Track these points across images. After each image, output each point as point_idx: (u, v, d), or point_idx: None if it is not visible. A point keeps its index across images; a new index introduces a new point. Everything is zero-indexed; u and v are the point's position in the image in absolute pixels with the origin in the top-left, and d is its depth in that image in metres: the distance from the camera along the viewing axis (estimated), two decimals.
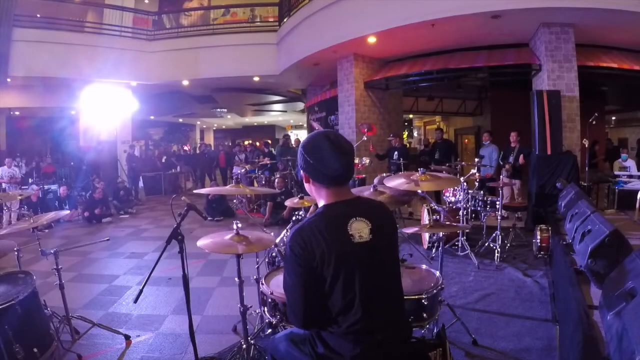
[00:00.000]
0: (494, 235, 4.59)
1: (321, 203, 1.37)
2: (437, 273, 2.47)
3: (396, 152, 7.04)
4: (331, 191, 1.33)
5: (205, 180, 12.40)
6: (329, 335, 1.28)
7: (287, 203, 3.58)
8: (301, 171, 1.38)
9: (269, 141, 13.68)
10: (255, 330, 2.69)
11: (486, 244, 4.72)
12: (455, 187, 4.88)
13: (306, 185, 1.40)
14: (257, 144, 17.16)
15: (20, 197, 4.93)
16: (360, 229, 1.27)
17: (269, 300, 2.18)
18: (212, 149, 14.69)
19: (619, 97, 11.22)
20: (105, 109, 10.20)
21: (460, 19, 5.89)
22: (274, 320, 2.16)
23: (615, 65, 6.52)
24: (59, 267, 2.70)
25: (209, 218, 7.07)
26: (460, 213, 4.73)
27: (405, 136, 15.36)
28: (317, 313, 1.28)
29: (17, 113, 13.22)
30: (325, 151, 1.28)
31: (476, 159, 5.74)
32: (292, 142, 11.36)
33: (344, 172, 1.30)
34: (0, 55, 8.34)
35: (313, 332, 1.34)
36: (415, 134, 18.16)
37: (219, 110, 16.64)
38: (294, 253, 1.25)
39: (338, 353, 1.26)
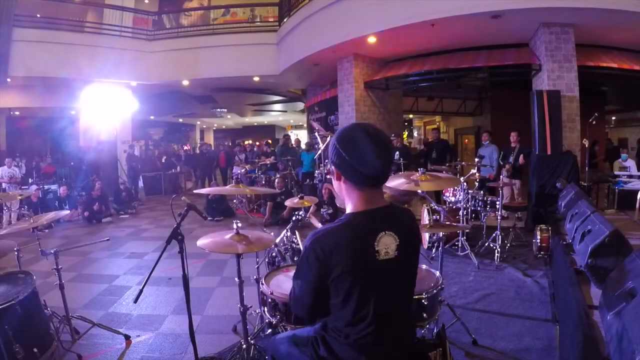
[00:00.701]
0: (494, 235, 4.59)
1: (349, 207, 1.24)
2: (437, 273, 2.47)
3: (397, 152, 7.05)
4: (364, 194, 1.20)
5: (205, 181, 12.39)
6: (334, 341, 1.25)
7: (287, 203, 3.58)
8: (333, 167, 1.23)
9: (270, 141, 13.67)
10: (255, 330, 2.69)
11: (486, 244, 4.72)
12: (455, 187, 4.88)
13: (335, 184, 1.27)
14: (257, 143, 17.15)
15: (20, 197, 4.93)
16: (387, 245, 1.18)
17: (269, 300, 2.18)
18: (212, 149, 14.67)
19: (619, 97, 11.22)
20: (105, 109, 10.19)
21: (460, 19, 5.89)
22: (274, 320, 2.16)
23: (615, 65, 6.51)
24: (59, 267, 2.70)
25: (209, 218, 7.07)
26: (460, 213, 4.73)
27: (405, 136, 15.36)
28: (324, 314, 1.27)
29: (17, 113, 13.22)
30: (365, 146, 1.13)
31: (476, 159, 5.74)
32: (292, 142, 11.35)
33: (384, 171, 1.17)
34: (0, 55, 8.34)
35: (318, 336, 1.31)
36: (415, 134, 18.15)
37: (219, 110, 16.63)
38: (309, 261, 1.18)
39: (341, 359, 1.24)
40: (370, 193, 1.21)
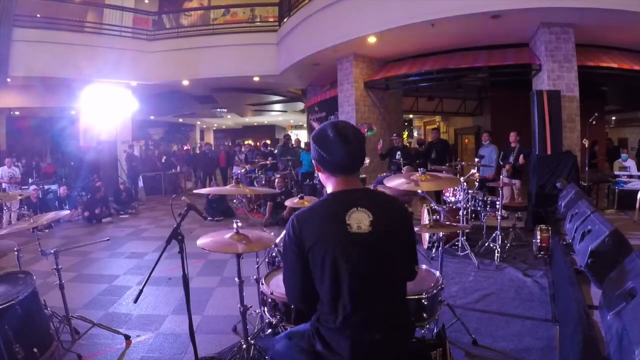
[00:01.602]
0: (494, 235, 4.59)
1: (327, 191, 1.40)
2: (437, 273, 2.46)
3: (398, 152, 7.05)
4: (338, 179, 1.35)
5: (207, 181, 12.38)
6: (327, 331, 1.28)
7: (287, 203, 3.58)
8: (314, 162, 1.41)
9: (268, 141, 13.66)
10: (255, 330, 2.69)
11: (486, 244, 4.72)
12: (455, 187, 4.88)
13: (320, 176, 1.43)
14: (257, 144, 17.15)
15: (20, 197, 4.93)
16: (359, 220, 1.27)
17: (269, 300, 2.18)
18: (213, 148, 14.67)
19: (619, 97, 11.22)
20: (105, 109, 10.19)
21: (460, 19, 5.89)
22: (274, 320, 2.16)
23: (615, 65, 6.52)
24: (59, 267, 2.70)
25: (209, 218, 7.07)
26: (460, 213, 4.73)
27: (405, 136, 15.36)
28: (314, 293, 1.31)
29: (17, 113, 13.22)
30: (331, 140, 1.31)
31: (476, 159, 5.74)
32: (293, 142, 11.35)
33: (349, 160, 1.31)
34: (0, 55, 8.34)
35: (312, 329, 1.34)
36: (415, 134, 18.16)
37: (219, 110, 16.63)
38: (289, 234, 1.31)
39: (337, 352, 1.25)
40: (345, 179, 1.35)
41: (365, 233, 1.26)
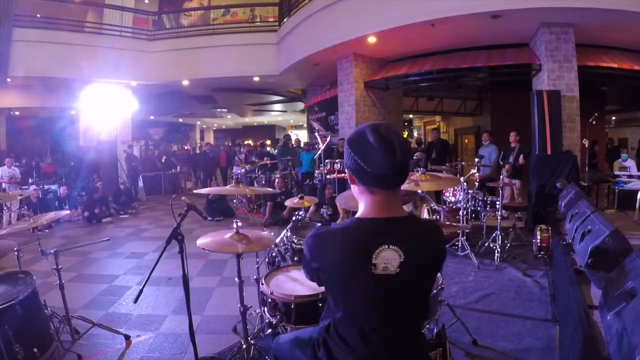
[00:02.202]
0: (494, 235, 4.59)
1: (359, 212, 1.19)
2: (437, 273, 2.46)
3: None
4: (375, 198, 1.14)
5: (207, 181, 12.37)
6: (335, 346, 1.23)
7: (287, 203, 3.58)
8: (347, 171, 1.19)
9: (268, 142, 13.65)
10: (255, 330, 2.69)
11: (486, 244, 4.72)
12: (455, 187, 4.88)
13: (353, 189, 1.21)
14: (255, 144, 17.15)
15: (20, 197, 4.93)
16: (388, 260, 1.09)
17: (269, 300, 2.18)
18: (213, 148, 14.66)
19: (619, 97, 11.22)
20: (105, 109, 10.19)
21: (460, 19, 5.89)
22: (274, 320, 2.16)
23: (615, 65, 6.52)
24: (59, 267, 2.70)
25: (209, 218, 7.07)
26: (460, 213, 4.73)
27: (405, 136, 15.37)
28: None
29: (17, 113, 13.22)
30: (371, 145, 1.09)
31: (476, 159, 5.74)
32: (293, 142, 11.35)
33: (393, 173, 1.09)
34: (0, 55, 8.34)
35: (320, 338, 1.29)
36: (415, 133, 18.16)
37: (219, 110, 16.63)
38: (305, 254, 1.20)
39: None
40: (382, 198, 1.14)
41: (391, 275, 1.09)
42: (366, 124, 1.17)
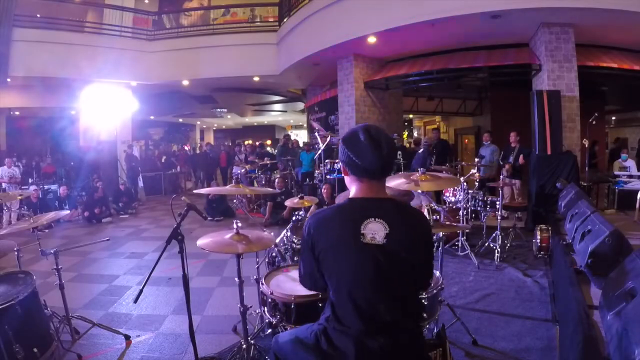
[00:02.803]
0: (494, 235, 4.59)
1: (351, 194, 1.39)
2: (437, 273, 2.46)
3: (399, 152, 7.06)
4: (364, 185, 1.33)
5: (207, 181, 12.36)
6: (334, 332, 1.30)
7: (287, 203, 3.58)
8: (341, 164, 1.40)
9: (268, 142, 13.65)
10: (255, 330, 2.69)
11: (486, 244, 4.72)
12: (455, 187, 4.88)
13: (345, 178, 1.41)
14: (255, 144, 17.15)
15: (20, 197, 4.93)
16: (374, 231, 1.25)
17: (269, 300, 2.18)
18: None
19: (619, 97, 11.22)
20: (105, 109, 10.19)
21: (460, 19, 5.89)
22: (274, 320, 2.16)
23: (615, 65, 6.52)
24: (59, 267, 2.70)
25: (209, 218, 7.07)
26: (460, 213, 4.73)
27: (405, 136, 15.36)
28: (324, 285, 1.35)
29: (17, 113, 13.21)
30: (362, 143, 1.29)
31: (476, 159, 5.74)
32: (292, 141, 11.36)
33: (379, 165, 1.29)
34: (0, 55, 8.34)
35: (320, 329, 1.35)
36: (415, 134, 18.15)
37: (219, 110, 16.62)
38: (304, 235, 1.35)
39: (342, 352, 1.26)
40: (370, 185, 1.33)
41: (378, 245, 1.24)
42: (359, 125, 1.38)
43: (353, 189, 1.37)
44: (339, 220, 1.31)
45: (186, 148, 18.37)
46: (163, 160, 13.47)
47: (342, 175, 1.42)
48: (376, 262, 1.24)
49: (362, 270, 1.25)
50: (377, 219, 1.26)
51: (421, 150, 7.06)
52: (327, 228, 1.30)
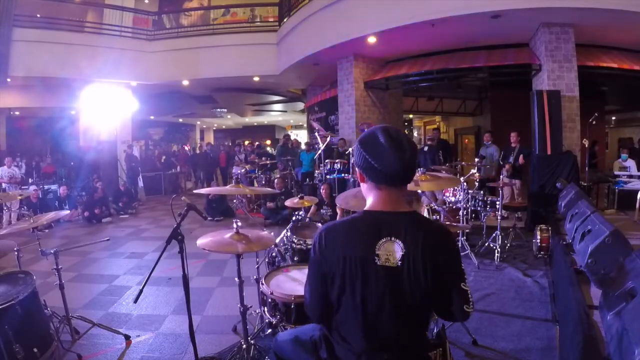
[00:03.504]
0: (494, 235, 4.59)
1: (366, 206, 1.26)
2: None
3: None
4: (383, 194, 1.20)
5: (207, 181, 12.36)
6: (336, 344, 1.26)
7: (287, 203, 3.58)
8: (358, 169, 1.26)
9: (268, 142, 13.63)
10: (255, 330, 2.69)
11: (486, 244, 4.72)
12: (455, 187, 4.88)
13: (362, 186, 1.29)
14: (255, 143, 17.14)
15: (20, 197, 4.93)
16: (389, 252, 1.14)
17: (269, 300, 2.18)
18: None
19: (619, 97, 11.22)
20: (105, 109, 10.19)
21: (460, 19, 5.89)
22: (274, 320, 2.16)
23: (615, 65, 6.52)
24: (59, 267, 2.70)
25: (209, 218, 7.07)
26: (460, 213, 4.73)
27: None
28: (330, 311, 1.25)
29: (17, 113, 13.21)
30: (382, 145, 1.16)
31: (476, 159, 5.74)
32: (292, 141, 11.35)
33: (401, 169, 1.16)
34: (0, 55, 8.34)
35: (321, 336, 1.32)
36: (415, 134, 18.15)
37: (219, 110, 16.62)
38: (314, 248, 1.23)
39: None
40: (389, 194, 1.20)
41: (392, 267, 1.14)
42: (377, 126, 1.24)
43: (370, 198, 1.24)
44: (353, 236, 1.18)
45: (186, 148, 18.38)
46: (163, 160, 13.46)
47: (359, 181, 1.30)
48: (389, 286, 1.14)
49: (375, 295, 1.15)
50: (393, 238, 1.15)
51: (425, 147, 7.05)
52: (340, 243, 1.18)
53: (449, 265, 1.20)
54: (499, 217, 4.62)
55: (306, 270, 1.34)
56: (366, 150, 1.18)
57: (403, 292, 1.15)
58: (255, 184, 8.75)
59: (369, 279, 1.15)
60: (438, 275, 1.17)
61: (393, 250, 1.14)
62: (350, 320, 1.20)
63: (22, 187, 7.77)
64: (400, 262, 1.13)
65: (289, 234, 3.15)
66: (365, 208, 1.24)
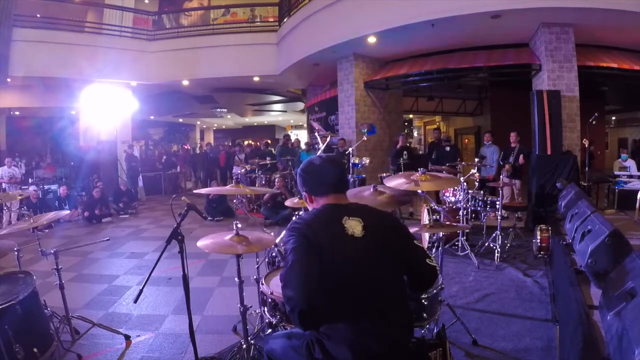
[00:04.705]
0: (494, 235, 4.59)
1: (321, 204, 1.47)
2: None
3: (405, 152, 7.06)
4: (330, 198, 1.45)
5: (207, 181, 12.34)
6: (327, 341, 1.28)
7: (288, 203, 3.58)
8: (304, 194, 1.51)
9: (269, 142, 13.63)
10: (255, 330, 2.69)
11: (486, 244, 4.72)
12: (455, 187, 4.88)
13: (310, 207, 1.51)
14: (256, 144, 17.15)
15: (20, 197, 4.93)
16: (353, 226, 1.35)
17: (269, 300, 2.18)
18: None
19: (619, 97, 11.23)
20: (105, 109, 10.18)
21: (460, 19, 5.89)
22: (274, 320, 2.16)
23: (615, 65, 6.52)
24: (59, 267, 2.70)
25: (209, 218, 7.07)
26: (460, 213, 4.73)
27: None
28: (315, 283, 1.23)
29: (17, 113, 13.22)
30: (318, 165, 1.46)
31: (476, 159, 5.74)
32: (292, 141, 11.34)
33: (340, 178, 1.47)
34: (0, 55, 8.34)
35: (312, 337, 1.32)
36: (415, 134, 18.15)
37: (219, 110, 16.63)
38: (295, 229, 1.36)
39: (335, 358, 1.25)
40: (335, 197, 1.45)
41: (358, 237, 1.33)
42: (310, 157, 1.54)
43: (321, 203, 1.45)
44: (322, 219, 1.37)
45: (186, 148, 18.39)
46: (163, 160, 13.46)
47: (308, 204, 1.52)
48: (361, 254, 1.32)
49: (351, 263, 1.31)
50: (351, 217, 1.38)
51: (447, 148, 7.17)
52: (314, 227, 1.34)
53: (398, 229, 1.47)
54: (499, 217, 4.61)
55: None
56: (306, 173, 1.47)
57: (374, 258, 1.34)
58: (256, 184, 8.74)
59: (345, 250, 1.32)
60: (394, 237, 1.42)
61: (355, 224, 1.36)
62: (337, 296, 1.28)
63: (22, 187, 7.77)
64: (363, 232, 1.35)
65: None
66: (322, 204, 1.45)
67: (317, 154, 2.02)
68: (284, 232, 3.25)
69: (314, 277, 1.24)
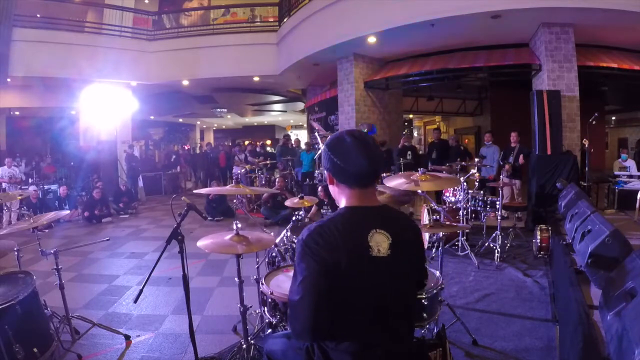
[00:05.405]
0: (494, 235, 4.59)
1: (342, 205, 1.27)
2: (437, 273, 2.46)
3: (409, 152, 7.07)
4: (355, 193, 1.24)
5: (207, 181, 12.35)
6: (328, 347, 1.23)
7: (288, 203, 3.58)
8: (326, 173, 1.29)
9: (268, 142, 13.64)
10: (255, 330, 2.69)
11: (486, 244, 4.72)
12: (455, 187, 4.88)
13: (330, 188, 1.32)
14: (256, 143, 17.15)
15: (20, 197, 4.93)
16: (379, 243, 1.17)
17: (269, 300, 2.18)
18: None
19: (619, 97, 11.23)
20: (105, 109, 10.18)
21: (460, 19, 5.89)
22: (274, 320, 2.16)
23: (615, 65, 6.52)
24: (59, 267, 2.70)
25: (209, 218, 7.07)
26: (460, 213, 4.73)
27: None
28: (326, 319, 1.15)
29: (17, 113, 13.22)
30: (350, 147, 1.20)
31: (476, 159, 5.74)
32: (292, 141, 11.35)
33: (370, 170, 1.21)
34: (0, 55, 8.34)
35: (314, 344, 1.28)
36: (415, 134, 18.15)
37: (219, 110, 16.62)
38: (309, 248, 1.15)
39: None
40: (361, 192, 1.24)
41: (384, 257, 1.17)
42: (342, 130, 1.30)
43: (343, 199, 1.26)
44: (344, 231, 1.16)
45: (186, 148, 18.40)
46: (172, 160, 13.48)
47: (328, 184, 1.31)
48: (384, 275, 1.17)
49: (371, 285, 1.17)
50: (379, 230, 1.18)
51: (462, 147, 7.22)
52: (332, 239, 1.15)
53: (420, 249, 1.33)
54: (499, 217, 4.62)
55: None
56: (333, 152, 1.22)
57: (396, 280, 1.21)
58: (256, 184, 8.75)
59: (366, 271, 1.16)
60: (416, 259, 1.29)
61: (382, 241, 1.18)
62: (348, 314, 1.16)
63: (22, 187, 7.77)
64: (389, 251, 1.18)
65: (289, 234, 3.15)
66: (344, 205, 1.26)
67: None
68: (283, 232, 3.27)
69: (324, 310, 1.14)
